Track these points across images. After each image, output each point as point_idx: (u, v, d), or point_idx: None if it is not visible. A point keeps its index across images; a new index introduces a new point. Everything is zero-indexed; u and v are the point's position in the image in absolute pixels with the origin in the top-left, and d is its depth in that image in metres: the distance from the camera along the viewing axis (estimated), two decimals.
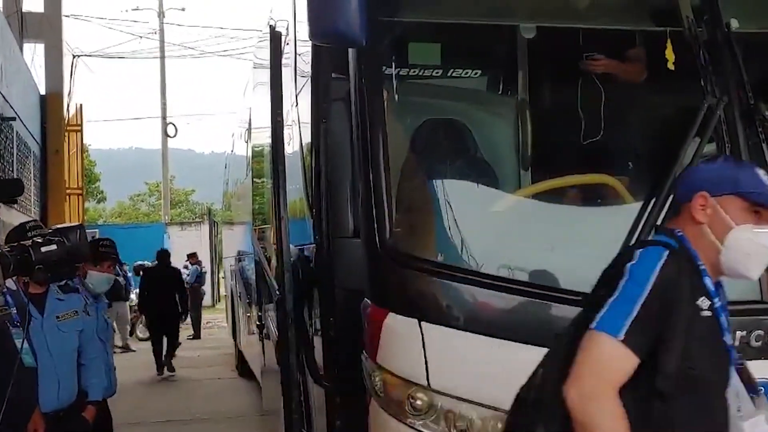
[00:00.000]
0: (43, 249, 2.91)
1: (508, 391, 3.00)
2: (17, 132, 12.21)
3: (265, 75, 4.99)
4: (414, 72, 4.36)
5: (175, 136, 31.58)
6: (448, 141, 3.96)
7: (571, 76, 3.85)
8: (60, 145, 15.55)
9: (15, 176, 11.75)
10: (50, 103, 15.42)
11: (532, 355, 3.01)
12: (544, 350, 3.01)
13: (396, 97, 3.71)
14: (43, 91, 15.50)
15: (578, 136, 3.80)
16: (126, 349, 16.14)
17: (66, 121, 16.54)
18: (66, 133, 16.37)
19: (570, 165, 3.72)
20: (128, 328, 17.04)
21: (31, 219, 4.71)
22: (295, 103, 4.73)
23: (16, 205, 10.78)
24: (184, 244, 23.94)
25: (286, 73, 4.52)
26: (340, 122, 3.92)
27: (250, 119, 9.21)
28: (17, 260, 2.80)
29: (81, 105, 18.09)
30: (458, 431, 3.05)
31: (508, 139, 4.28)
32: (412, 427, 3.11)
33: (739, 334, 2.99)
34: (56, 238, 2.90)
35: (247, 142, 9.72)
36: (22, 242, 2.89)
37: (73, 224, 2.97)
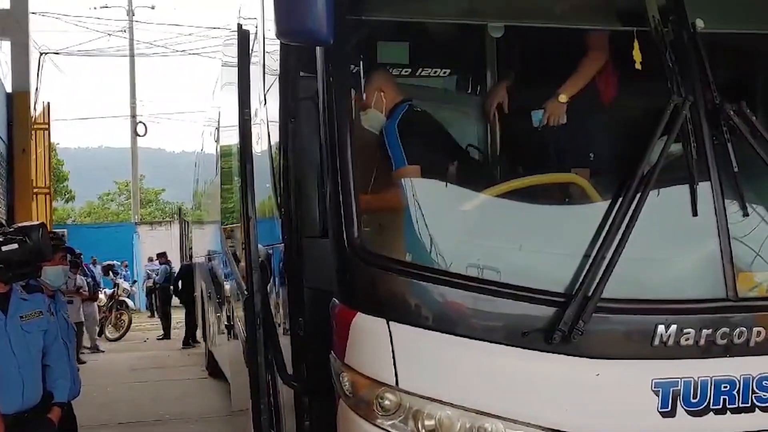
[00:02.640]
0: (4, 248, 2.86)
1: (476, 390, 3.02)
2: None
3: (234, 74, 4.95)
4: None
5: (144, 135, 31.37)
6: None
7: (539, 75, 3.86)
8: (27, 144, 15.39)
9: None
10: (17, 101, 15.27)
11: (500, 354, 3.04)
12: (512, 349, 3.04)
13: (364, 95, 3.70)
14: (9, 89, 15.32)
15: (546, 135, 3.81)
16: (95, 349, 16.00)
17: (33, 120, 16.36)
18: (33, 132, 16.19)
19: (538, 164, 3.73)
20: (97, 328, 16.89)
21: None
22: (263, 102, 4.71)
23: None
24: (154, 244, 23.77)
25: (255, 72, 4.49)
26: (309, 121, 3.90)
27: (219, 118, 9.16)
28: None
29: (48, 103, 17.92)
30: (426, 431, 3.04)
31: (476, 138, 4.29)
32: (381, 428, 3.09)
33: (704, 332, 3.02)
34: (18, 237, 2.85)
35: (216, 141, 9.67)
36: None
37: (35, 223, 2.92)
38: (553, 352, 3.00)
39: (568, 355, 3.00)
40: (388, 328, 3.08)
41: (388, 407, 3.07)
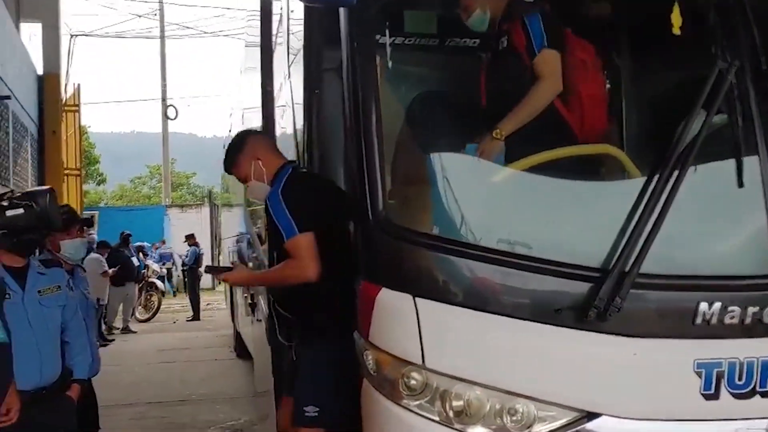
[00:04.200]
0: (9, 213, 2.74)
1: (507, 370, 2.88)
2: (12, 111, 12.12)
3: (257, 52, 4.84)
4: (409, 41, 4.21)
5: (175, 118, 31.52)
6: (444, 112, 3.80)
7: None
8: (57, 126, 15.54)
9: (11, 155, 11.71)
10: (47, 83, 15.41)
11: (532, 332, 2.89)
12: (544, 327, 2.88)
13: (390, 66, 3.55)
14: (40, 71, 15.41)
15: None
16: (127, 330, 16.09)
17: (63, 102, 16.46)
18: (63, 114, 16.29)
19: (572, 135, 3.56)
20: (131, 309, 17.01)
21: (8, 190, 4.52)
22: (287, 75, 4.59)
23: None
24: (184, 226, 23.90)
25: (278, 46, 4.38)
26: (333, 92, 3.77)
27: (244, 98, 9.09)
28: None
29: (78, 85, 18.03)
30: (454, 412, 2.91)
31: (506, 110, 4.12)
32: (407, 408, 2.97)
33: (750, 310, 2.84)
34: (24, 202, 2.72)
35: (242, 122, 9.60)
36: None
37: (43, 188, 2.80)
38: (588, 330, 2.84)
39: (604, 333, 2.84)
40: (414, 304, 2.95)
41: (414, 387, 2.95)
